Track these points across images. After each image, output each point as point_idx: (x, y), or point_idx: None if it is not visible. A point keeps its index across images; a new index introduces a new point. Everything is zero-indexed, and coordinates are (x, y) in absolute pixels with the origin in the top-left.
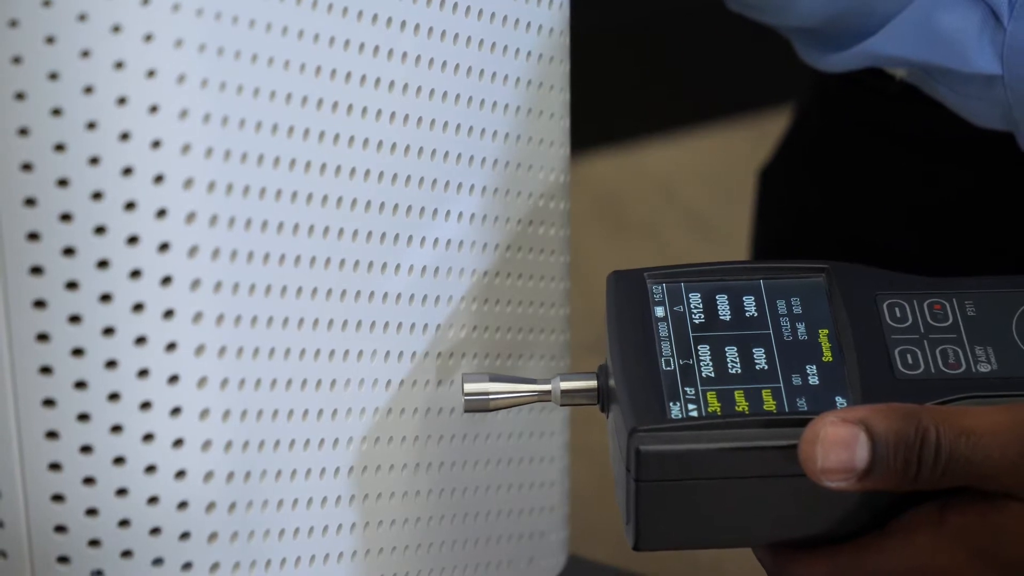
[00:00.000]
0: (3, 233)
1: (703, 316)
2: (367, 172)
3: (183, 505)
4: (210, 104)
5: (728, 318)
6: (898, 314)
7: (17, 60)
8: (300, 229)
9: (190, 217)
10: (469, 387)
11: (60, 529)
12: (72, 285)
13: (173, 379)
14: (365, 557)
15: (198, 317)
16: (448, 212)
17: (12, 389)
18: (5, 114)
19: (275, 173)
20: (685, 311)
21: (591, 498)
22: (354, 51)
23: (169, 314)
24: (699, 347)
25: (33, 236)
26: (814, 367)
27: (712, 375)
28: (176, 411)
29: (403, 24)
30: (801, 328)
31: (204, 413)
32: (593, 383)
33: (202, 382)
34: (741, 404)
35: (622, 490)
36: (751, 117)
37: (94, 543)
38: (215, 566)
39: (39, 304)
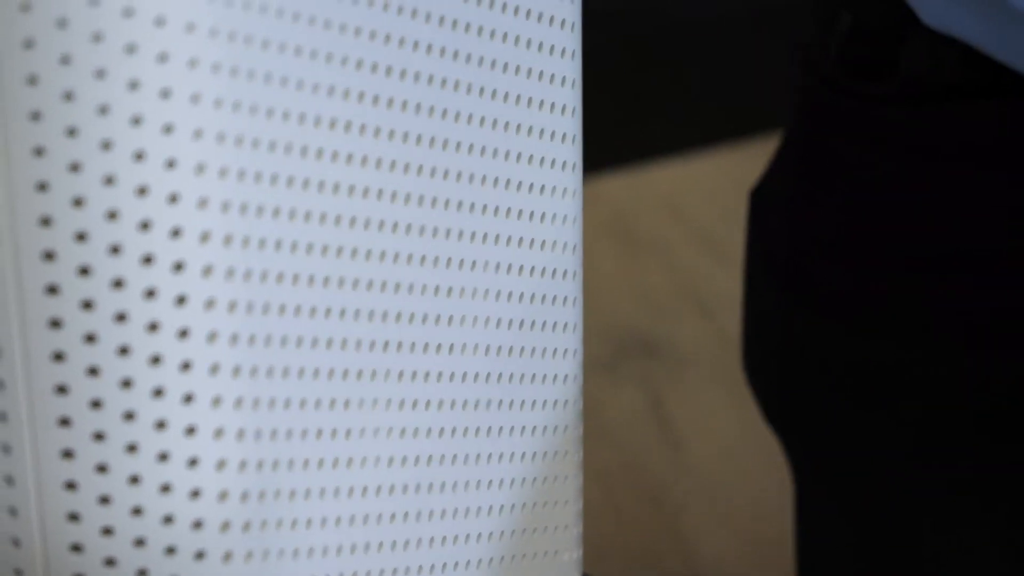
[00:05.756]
0: (20, 252)
1: None
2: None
3: (198, 525)
4: (224, 123)
5: None
6: None
7: (32, 80)
8: (313, 249)
9: (204, 236)
10: None
11: (76, 548)
12: (88, 304)
13: (188, 399)
14: None
15: (212, 337)
16: (460, 232)
17: (28, 408)
18: (21, 134)
19: (289, 192)
20: None
21: (601, 517)
22: (381, 74)
23: (184, 333)
24: None
25: (49, 255)
26: None
27: None
28: (191, 431)
29: (415, 44)
30: None
31: (218, 432)
32: None
33: (216, 401)
34: None
35: None
36: (760, 136)
37: (110, 562)
38: None
39: (55, 323)
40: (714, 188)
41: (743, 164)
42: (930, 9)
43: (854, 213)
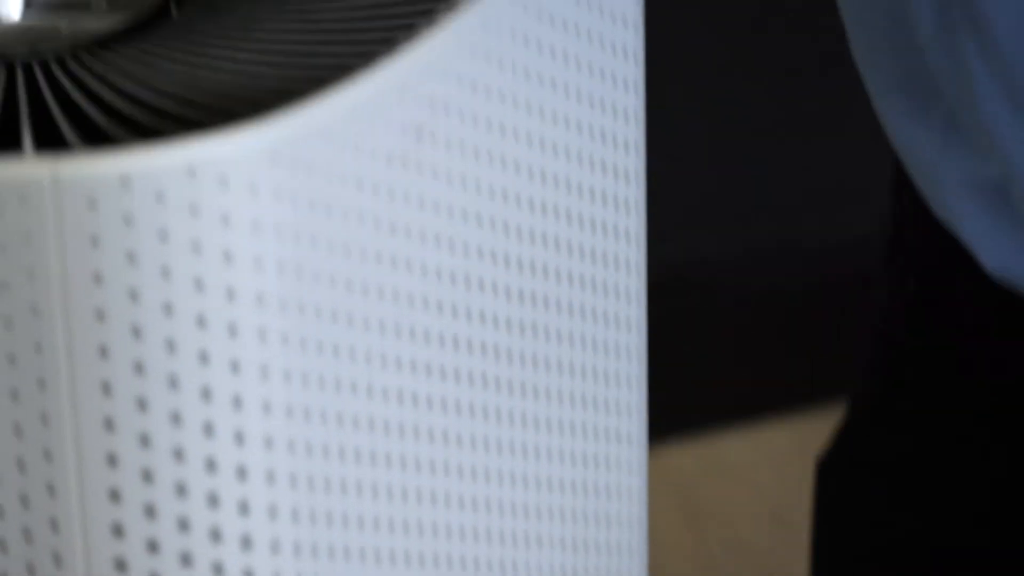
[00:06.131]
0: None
1: None
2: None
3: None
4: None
5: None
6: None
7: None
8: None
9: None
10: None
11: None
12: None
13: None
14: None
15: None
16: (525, 509)
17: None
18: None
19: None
20: None
21: None
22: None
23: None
24: None
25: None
26: None
27: None
28: None
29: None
30: None
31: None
32: None
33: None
34: None
35: None
36: (827, 405)
37: None
38: None
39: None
40: (781, 458)
41: (810, 433)
42: (994, 258)
43: (921, 490)
